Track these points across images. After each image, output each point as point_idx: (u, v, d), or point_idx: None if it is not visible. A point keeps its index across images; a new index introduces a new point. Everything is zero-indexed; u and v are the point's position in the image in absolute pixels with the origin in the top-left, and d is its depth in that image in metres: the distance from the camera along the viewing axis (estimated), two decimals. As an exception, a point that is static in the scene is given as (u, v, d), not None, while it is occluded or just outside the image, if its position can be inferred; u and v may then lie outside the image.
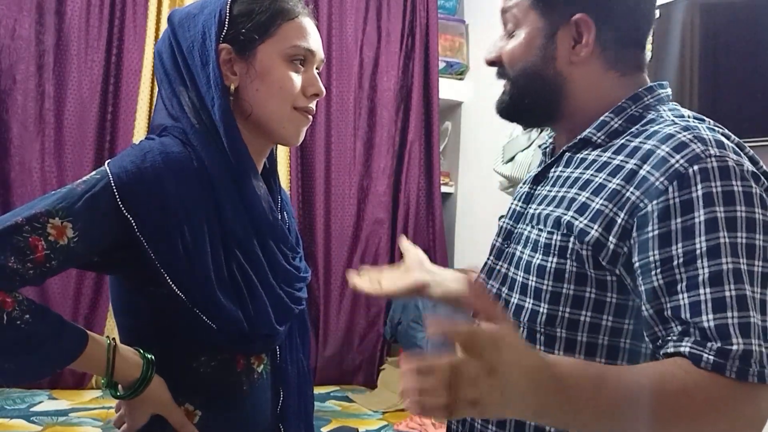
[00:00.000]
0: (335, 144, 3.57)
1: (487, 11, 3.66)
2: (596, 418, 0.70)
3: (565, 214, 0.83)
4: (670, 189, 0.76)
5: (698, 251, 0.73)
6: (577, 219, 0.81)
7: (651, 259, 0.76)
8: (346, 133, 3.58)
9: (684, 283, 0.73)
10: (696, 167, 0.75)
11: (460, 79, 3.86)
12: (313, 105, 1.06)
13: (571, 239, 0.81)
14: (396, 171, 3.69)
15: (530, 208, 0.92)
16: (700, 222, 0.74)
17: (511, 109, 0.95)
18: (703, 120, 0.85)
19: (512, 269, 0.90)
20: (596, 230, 0.79)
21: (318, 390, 3.23)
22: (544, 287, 0.83)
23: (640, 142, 0.81)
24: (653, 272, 0.76)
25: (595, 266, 0.80)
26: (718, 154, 0.76)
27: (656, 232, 0.76)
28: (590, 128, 0.88)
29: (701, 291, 0.72)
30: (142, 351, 0.96)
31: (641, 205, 0.77)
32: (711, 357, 0.70)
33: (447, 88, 3.78)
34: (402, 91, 3.70)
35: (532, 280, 0.85)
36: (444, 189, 3.82)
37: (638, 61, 0.92)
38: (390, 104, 3.65)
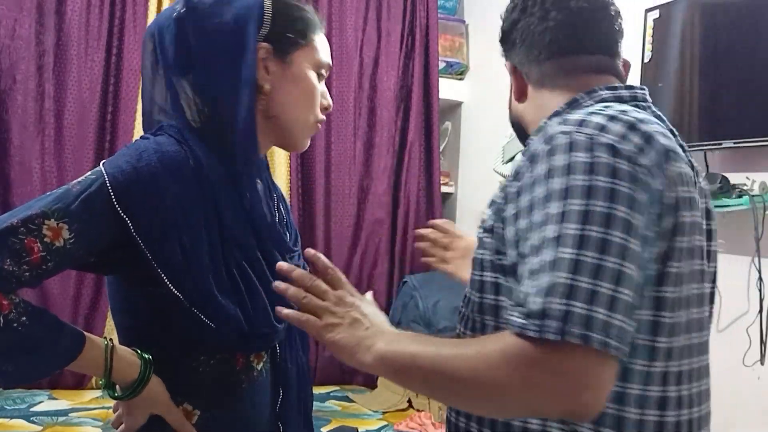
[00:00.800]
0: (335, 144, 3.58)
1: (487, 11, 3.66)
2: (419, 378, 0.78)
3: (486, 212, 0.89)
4: (524, 169, 0.78)
5: (531, 224, 0.74)
6: (487, 214, 0.87)
7: (508, 236, 0.80)
8: (346, 133, 3.58)
9: (522, 256, 0.75)
10: (546, 147, 0.76)
11: (460, 79, 3.86)
12: (323, 117, 1.08)
13: (484, 233, 0.86)
14: (396, 171, 3.69)
15: None
16: (537, 197, 0.74)
17: None
18: (609, 107, 0.83)
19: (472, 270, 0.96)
20: (492, 218, 0.85)
21: (318, 390, 3.23)
22: (485, 279, 0.87)
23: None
24: (510, 249, 0.80)
25: (497, 251, 0.84)
26: (569, 130, 0.76)
27: (511, 212, 0.79)
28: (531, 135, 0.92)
29: (527, 260, 0.73)
30: (139, 351, 0.96)
31: (509, 190, 0.81)
32: (518, 320, 0.69)
33: (447, 88, 3.78)
34: (402, 91, 3.71)
35: (477, 274, 0.89)
36: (444, 189, 3.83)
37: (568, 67, 0.94)
38: (390, 104, 3.65)
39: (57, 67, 3.10)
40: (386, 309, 3.53)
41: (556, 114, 0.89)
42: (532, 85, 0.97)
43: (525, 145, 0.97)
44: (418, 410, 3.01)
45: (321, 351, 3.45)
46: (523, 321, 0.68)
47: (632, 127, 0.76)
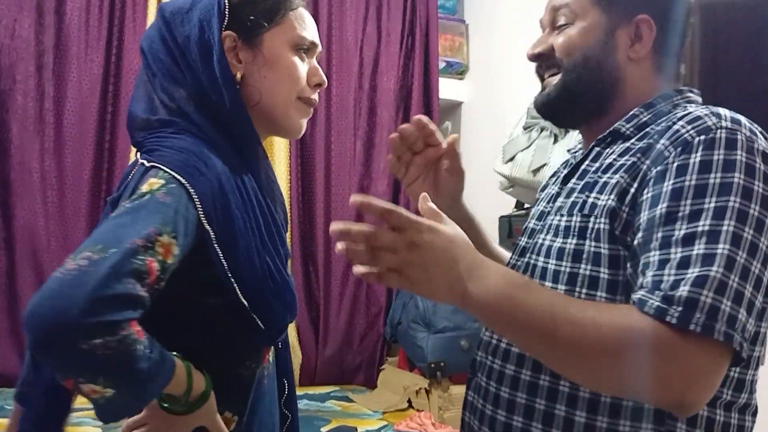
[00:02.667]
0: (335, 144, 3.57)
1: (487, 11, 3.67)
2: (523, 325, 0.73)
3: (587, 196, 0.84)
4: (672, 155, 0.76)
5: (680, 213, 0.73)
6: (599, 198, 0.83)
7: (640, 220, 0.77)
8: (346, 133, 3.58)
9: (658, 241, 0.73)
10: (703, 137, 0.76)
11: (460, 78, 3.86)
12: (316, 96, 1.05)
13: (591, 218, 0.82)
14: (396, 171, 3.69)
15: (557, 203, 0.93)
16: (689, 185, 0.74)
17: (557, 101, 0.94)
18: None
19: (534, 257, 0.91)
20: (612, 199, 0.80)
21: (318, 390, 3.23)
22: (562, 269, 0.84)
23: (662, 123, 0.83)
24: (638, 233, 0.77)
25: (610, 239, 0.80)
26: (729, 126, 0.76)
27: (649, 195, 0.77)
28: (620, 121, 0.89)
29: (672, 250, 0.72)
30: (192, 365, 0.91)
31: (648, 172, 0.79)
32: (655, 302, 0.69)
33: (447, 88, 3.78)
34: (402, 91, 3.70)
35: (551, 264, 0.86)
36: (444, 189, 3.82)
37: (678, 71, 0.94)
38: (390, 104, 3.65)
39: (57, 67, 3.09)
40: (386, 309, 3.53)
41: (651, 105, 0.89)
42: (652, 65, 0.91)
43: (581, 114, 0.95)
44: (418, 410, 3.00)
45: (321, 351, 3.45)
46: (663, 305, 0.68)
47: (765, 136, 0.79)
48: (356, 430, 2.64)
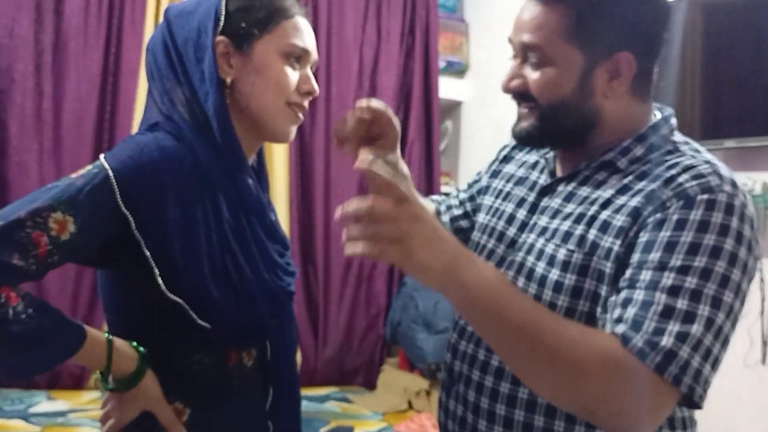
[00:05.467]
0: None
1: (488, 10, 3.66)
2: (500, 325, 0.74)
3: (588, 233, 0.86)
4: (674, 206, 0.80)
5: (671, 264, 0.77)
6: (601, 238, 0.85)
7: (631, 260, 0.81)
8: (346, 133, 3.57)
9: (645, 282, 0.78)
10: (706, 196, 0.80)
11: (461, 78, 3.85)
12: (306, 103, 1.07)
13: (594, 258, 0.85)
14: (396, 171, 3.68)
15: (539, 219, 0.95)
16: (685, 241, 0.78)
17: (536, 137, 0.94)
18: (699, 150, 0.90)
19: (522, 279, 0.92)
20: (619, 246, 0.83)
21: (317, 391, 3.22)
22: (560, 302, 0.87)
23: (664, 170, 0.85)
24: (627, 271, 0.81)
25: (613, 282, 0.83)
26: (730, 191, 0.80)
27: (644, 239, 0.81)
28: (614, 152, 0.91)
29: (656, 294, 0.76)
30: (135, 344, 0.96)
31: (648, 217, 0.82)
32: (639, 344, 0.74)
33: (447, 88, 3.77)
34: (402, 90, 3.69)
35: (547, 294, 0.88)
36: (444, 189, 3.81)
37: (653, 85, 0.95)
38: (390, 104, 3.63)
39: (55, 67, 3.08)
40: (386, 310, 3.52)
41: (643, 138, 0.90)
42: (630, 91, 0.90)
43: (570, 143, 0.94)
44: (418, 411, 3.00)
45: (321, 351, 3.44)
46: (645, 349, 0.74)
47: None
48: (353, 429, 2.63)
